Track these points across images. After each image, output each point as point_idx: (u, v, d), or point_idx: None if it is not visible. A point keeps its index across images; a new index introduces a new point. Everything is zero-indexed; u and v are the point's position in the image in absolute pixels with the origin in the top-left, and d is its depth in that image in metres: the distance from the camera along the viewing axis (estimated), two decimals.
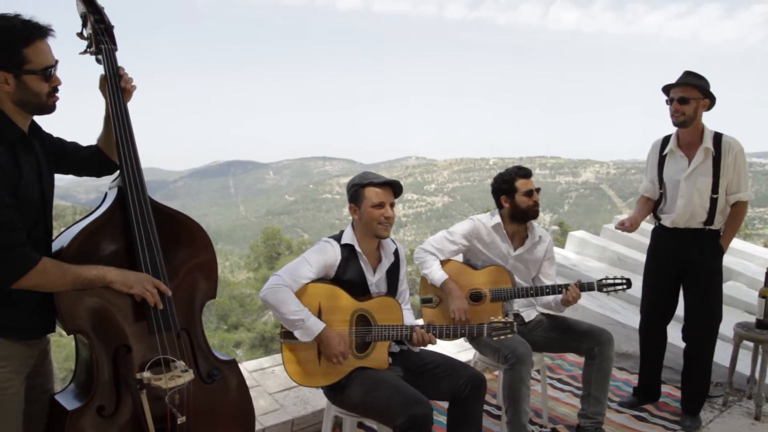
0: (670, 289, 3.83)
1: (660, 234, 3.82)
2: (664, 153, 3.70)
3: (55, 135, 2.29)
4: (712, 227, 3.59)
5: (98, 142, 2.38)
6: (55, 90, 2.04)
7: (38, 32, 1.96)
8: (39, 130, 2.16)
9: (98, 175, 2.42)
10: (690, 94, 3.45)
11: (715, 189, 3.51)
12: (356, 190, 2.87)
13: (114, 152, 2.34)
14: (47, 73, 1.99)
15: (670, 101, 3.51)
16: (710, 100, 3.50)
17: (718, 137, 3.53)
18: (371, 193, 2.83)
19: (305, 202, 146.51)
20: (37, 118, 2.14)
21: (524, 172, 3.50)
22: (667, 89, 3.54)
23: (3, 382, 1.98)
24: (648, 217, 3.90)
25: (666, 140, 3.72)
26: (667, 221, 3.70)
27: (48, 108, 2.05)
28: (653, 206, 3.83)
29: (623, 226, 3.71)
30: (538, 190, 3.48)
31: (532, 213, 3.49)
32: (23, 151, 2.01)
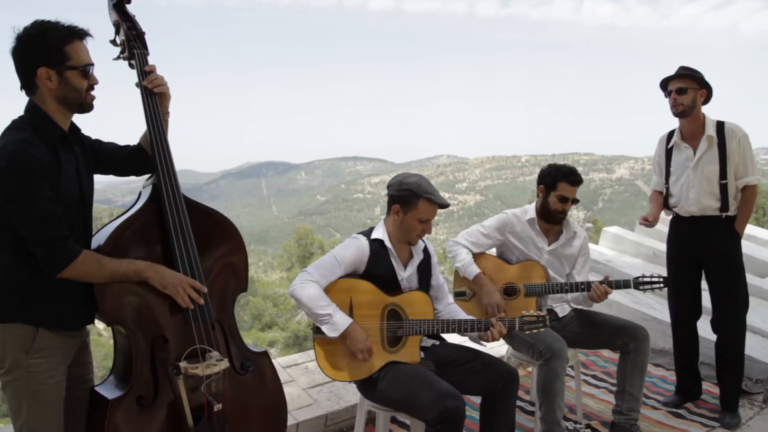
0: (693, 282, 3.81)
1: (677, 223, 3.83)
2: (670, 146, 3.74)
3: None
4: (729, 213, 3.60)
5: (141, 140, 2.45)
6: (92, 88, 2.13)
7: (77, 33, 2.07)
8: (78, 131, 2.25)
9: (138, 173, 2.49)
10: (687, 84, 3.51)
11: (723, 175, 3.54)
12: (409, 196, 2.80)
13: None
14: (86, 70, 2.09)
15: (668, 94, 3.57)
16: (707, 91, 3.55)
17: (720, 125, 3.57)
18: (424, 207, 2.79)
19: (337, 202, 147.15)
20: (79, 120, 2.22)
21: (572, 179, 3.40)
22: (664, 83, 3.59)
23: (45, 372, 2.05)
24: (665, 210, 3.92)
25: (671, 135, 3.77)
26: (681, 211, 3.72)
27: (87, 105, 2.14)
28: (664, 200, 3.83)
29: (647, 222, 3.72)
30: (575, 201, 3.43)
31: (555, 218, 3.47)
32: (64, 150, 2.11)
